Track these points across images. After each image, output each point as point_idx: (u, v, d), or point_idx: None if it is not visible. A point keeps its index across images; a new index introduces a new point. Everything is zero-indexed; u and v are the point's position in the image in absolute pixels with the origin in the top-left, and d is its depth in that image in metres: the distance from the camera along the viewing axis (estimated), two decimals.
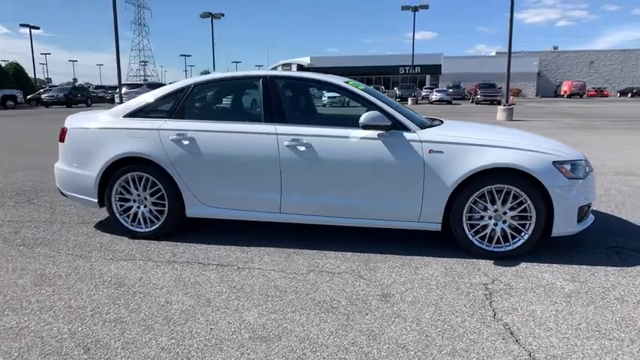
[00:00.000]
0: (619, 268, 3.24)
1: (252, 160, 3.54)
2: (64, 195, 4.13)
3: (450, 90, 40.21)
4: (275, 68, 75.41)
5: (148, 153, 3.66)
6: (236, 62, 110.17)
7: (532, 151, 3.31)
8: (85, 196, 3.91)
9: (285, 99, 3.75)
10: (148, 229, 3.82)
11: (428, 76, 55.20)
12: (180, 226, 3.91)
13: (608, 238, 3.86)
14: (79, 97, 33.89)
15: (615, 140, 10.99)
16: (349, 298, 2.80)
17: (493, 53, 59.34)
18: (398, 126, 3.43)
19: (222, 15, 35.97)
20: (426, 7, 35.78)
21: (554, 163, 3.28)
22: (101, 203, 3.90)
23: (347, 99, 3.70)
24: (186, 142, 3.63)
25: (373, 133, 3.41)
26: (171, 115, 3.77)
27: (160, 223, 3.79)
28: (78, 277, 3.09)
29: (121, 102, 21.85)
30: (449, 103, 37.67)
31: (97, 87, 56.77)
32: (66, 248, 3.65)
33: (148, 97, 3.91)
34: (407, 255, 3.47)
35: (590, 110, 25.68)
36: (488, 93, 34.95)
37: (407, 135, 3.40)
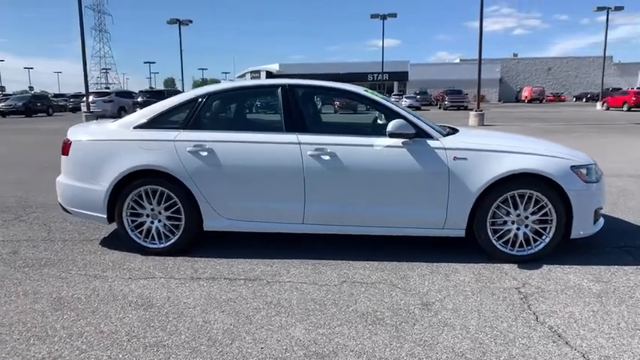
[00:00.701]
0: (635, 267, 3.38)
1: (275, 170, 3.47)
2: (67, 211, 3.90)
3: (418, 96, 41.12)
4: (243, 75, 74.79)
5: (163, 165, 3.52)
6: (202, 69, 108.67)
7: (551, 156, 3.41)
8: (92, 212, 3.71)
9: (305, 108, 3.70)
10: (162, 245, 3.66)
11: (395, 83, 56.30)
12: (194, 241, 3.77)
13: (615, 238, 4.02)
14: (39, 106, 32.24)
15: (587, 143, 11.54)
16: (391, 308, 2.78)
17: (457, 60, 61.28)
18: (422, 134, 3.45)
19: (191, 21, 35.38)
20: (394, 15, 36.54)
21: (572, 167, 3.39)
22: (110, 219, 3.71)
23: None
24: (204, 154, 3.51)
25: (398, 142, 3.42)
26: (186, 125, 3.65)
27: (175, 238, 3.64)
28: (99, 299, 2.92)
29: (89, 110, 21.06)
30: (418, 109, 38.39)
31: (56, 95, 54.05)
32: (76, 268, 3.44)
33: (159, 108, 3.76)
34: (433, 262, 3.49)
35: (553, 114, 26.93)
36: (456, 99, 36.00)
37: (431, 143, 3.43)
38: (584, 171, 3.42)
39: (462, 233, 3.50)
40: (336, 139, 3.48)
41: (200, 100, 3.70)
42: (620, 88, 43.01)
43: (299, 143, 3.46)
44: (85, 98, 21.31)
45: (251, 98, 3.96)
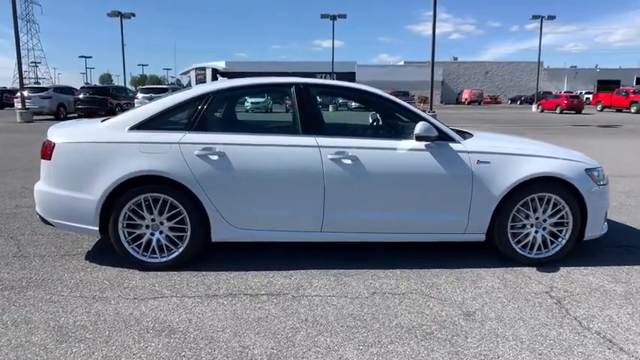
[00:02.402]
0: None
1: (292, 175, 3.23)
2: (47, 223, 3.40)
3: None
4: (187, 72, 72.11)
5: (167, 171, 3.16)
6: (142, 65, 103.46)
7: (568, 160, 3.46)
8: (80, 223, 3.26)
9: (321, 108, 3.49)
10: (164, 259, 3.29)
11: None
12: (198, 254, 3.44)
13: (611, 238, 4.17)
14: None
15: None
16: (435, 320, 2.65)
17: (401, 63, 63.16)
18: (444, 137, 3.37)
19: (133, 15, 33.35)
20: (344, 16, 36.85)
21: (586, 170, 3.46)
22: (102, 231, 3.28)
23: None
24: (214, 158, 3.19)
25: (421, 145, 3.32)
26: (191, 127, 3.30)
27: (180, 250, 3.29)
28: (109, 326, 2.53)
29: (24, 107, 19.16)
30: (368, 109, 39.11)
31: None
32: (67, 289, 2.99)
33: (157, 107, 3.38)
34: (454, 268, 3.41)
35: (496, 116, 28.42)
36: (403, 100, 36.89)
37: (454, 146, 3.36)
38: (596, 174, 3.51)
39: (482, 237, 3.46)
40: (357, 142, 3.30)
41: (205, 98, 3.37)
42: (550, 92, 46.48)
43: (318, 146, 3.25)
44: (20, 93, 19.37)
45: (260, 97, 3.68)
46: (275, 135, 3.34)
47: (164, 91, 21.46)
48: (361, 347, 2.36)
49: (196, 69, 65.85)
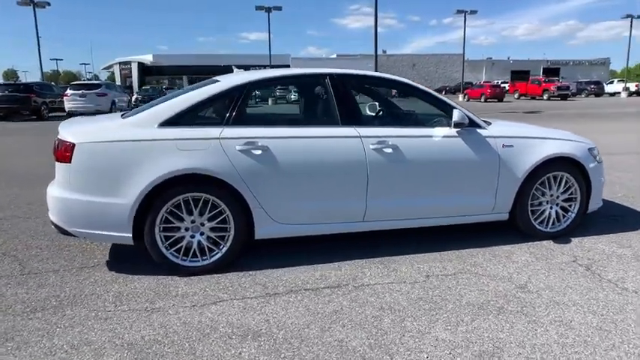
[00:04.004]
0: (636, 232, 3.96)
1: (338, 166, 3.22)
2: (67, 233, 3.08)
3: None
4: (110, 67, 67.26)
5: (210, 168, 2.99)
6: (56, 59, 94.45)
7: (575, 141, 3.81)
8: (109, 231, 2.99)
9: (356, 99, 3.50)
10: (206, 262, 3.13)
11: None
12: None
13: (598, 210, 4.59)
14: None
15: None
16: (498, 295, 2.81)
17: (334, 56, 64.05)
18: (472, 124, 3.54)
19: (48, 4, 30.23)
20: (279, 8, 36.49)
21: (589, 150, 3.83)
22: (135, 238, 3.03)
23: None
24: (258, 152, 3.08)
25: (453, 131, 3.46)
26: (227, 121, 3.15)
27: (223, 251, 3.14)
28: (184, 337, 2.38)
29: None
30: None
31: None
32: (111, 304, 2.74)
33: (185, 101, 3.17)
34: (483, 246, 3.62)
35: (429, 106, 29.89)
36: None
37: (482, 132, 3.55)
38: (595, 152, 3.89)
39: (506, 216, 3.70)
40: (395, 131, 3.37)
41: (240, 91, 3.23)
42: (471, 82, 49.78)
43: (360, 137, 3.26)
44: None
45: (294, 89, 3.59)
46: (316, 127, 3.29)
47: (97, 87, 19.99)
48: (449, 327, 2.45)
49: (120, 63, 61.63)
